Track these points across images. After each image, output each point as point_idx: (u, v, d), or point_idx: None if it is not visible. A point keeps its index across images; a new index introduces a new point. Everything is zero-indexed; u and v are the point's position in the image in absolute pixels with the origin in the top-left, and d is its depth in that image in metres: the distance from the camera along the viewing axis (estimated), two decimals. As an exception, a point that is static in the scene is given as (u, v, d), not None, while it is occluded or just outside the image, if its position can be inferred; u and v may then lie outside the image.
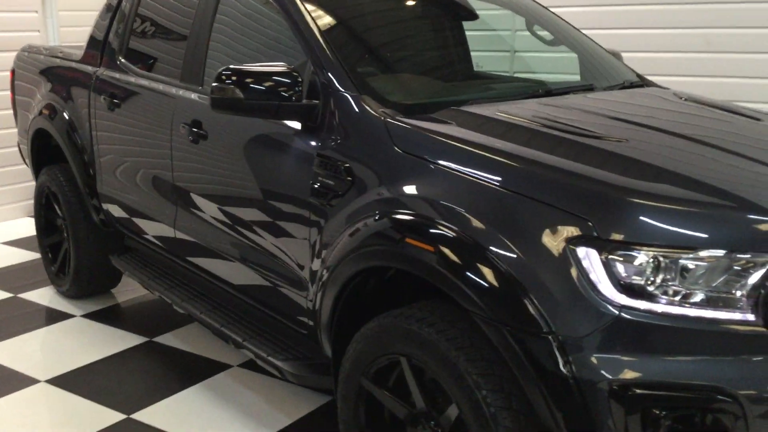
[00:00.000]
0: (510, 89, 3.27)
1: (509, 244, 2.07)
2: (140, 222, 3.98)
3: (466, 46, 3.61)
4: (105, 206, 4.29)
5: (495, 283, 2.06)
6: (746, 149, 2.37)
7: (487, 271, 2.08)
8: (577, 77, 3.46)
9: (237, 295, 3.34)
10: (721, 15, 5.23)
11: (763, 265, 1.92)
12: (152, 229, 3.88)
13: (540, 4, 3.84)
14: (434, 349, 2.21)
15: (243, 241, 3.13)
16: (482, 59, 3.66)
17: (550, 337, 1.97)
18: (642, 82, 3.43)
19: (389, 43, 3.24)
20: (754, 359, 1.91)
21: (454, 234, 2.17)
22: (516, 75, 3.79)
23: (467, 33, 3.63)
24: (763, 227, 1.98)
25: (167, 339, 4.19)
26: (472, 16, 3.66)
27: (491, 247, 2.09)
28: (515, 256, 2.05)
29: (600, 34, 5.36)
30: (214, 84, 2.71)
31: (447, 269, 2.15)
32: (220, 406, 3.45)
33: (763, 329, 1.91)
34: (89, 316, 4.53)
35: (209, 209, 3.31)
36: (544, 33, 3.75)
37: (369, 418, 2.56)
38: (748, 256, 1.93)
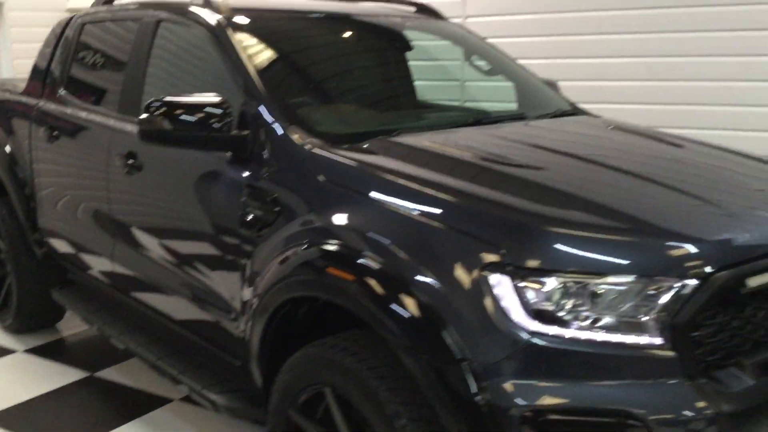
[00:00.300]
0: (442, 119, 3.31)
1: (426, 272, 2.08)
2: (81, 255, 3.94)
3: (404, 77, 3.65)
4: (46, 240, 4.24)
5: (411, 311, 2.07)
6: (662, 176, 2.42)
7: (403, 300, 2.09)
8: (515, 105, 3.52)
9: (175, 328, 3.31)
10: (663, 44, 5.36)
11: (669, 289, 1.95)
12: (92, 262, 3.84)
13: (477, 35, 3.91)
14: (356, 378, 2.21)
15: (178, 273, 3.11)
16: (424, 89, 3.71)
17: (463, 364, 1.98)
18: (573, 111, 3.49)
19: (323, 75, 3.27)
20: (663, 383, 1.94)
21: (373, 264, 2.18)
22: (455, 104, 3.83)
23: (409, 63, 3.68)
24: (671, 252, 2.02)
25: (109, 373, 4.13)
26: (410, 47, 3.71)
27: (408, 276, 2.10)
28: (432, 284, 2.07)
29: (546, 64, 5.48)
30: (142, 115, 2.71)
31: (365, 299, 2.16)
32: (158, 440, 3.41)
33: (671, 353, 1.94)
34: (31, 351, 4.45)
35: (145, 241, 3.29)
36: (482, 63, 3.81)
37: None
38: (656, 280, 1.96)
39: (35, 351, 4.45)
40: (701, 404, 1.92)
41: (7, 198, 4.51)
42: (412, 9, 3.97)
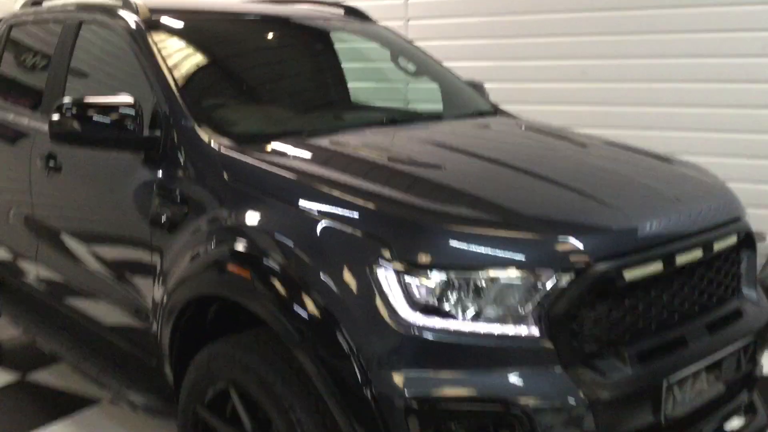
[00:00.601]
0: (356, 119, 3.37)
1: (318, 268, 2.13)
2: (10, 259, 3.93)
3: (325, 78, 3.70)
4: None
5: (302, 307, 2.12)
6: (553, 174, 2.48)
7: (295, 296, 2.14)
8: (436, 106, 3.59)
9: (95, 329, 3.32)
10: (596, 47, 5.48)
11: (546, 282, 2.02)
12: (20, 265, 3.83)
13: (404, 38, 3.98)
14: (255, 374, 2.25)
15: (96, 275, 3.13)
16: (350, 90, 3.77)
17: (351, 357, 2.03)
18: (493, 112, 3.56)
19: (237, 76, 3.31)
20: (542, 372, 2.00)
21: (268, 262, 2.22)
22: (373, 105, 3.88)
23: (332, 65, 3.74)
24: (548, 246, 2.08)
25: (41, 376, 4.12)
26: (333, 49, 3.77)
27: (301, 273, 2.15)
28: (324, 280, 2.11)
29: (484, 67, 5.58)
30: (53, 116, 2.72)
31: (260, 295, 2.21)
32: (82, 441, 3.42)
33: (549, 344, 2.01)
34: (-39, 354, 4.43)
35: (65, 244, 3.30)
36: (408, 65, 3.87)
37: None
38: (534, 273, 2.03)
39: (-37, 354, 4.43)
40: (578, 392, 1.99)
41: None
42: (341, 11, 4.02)
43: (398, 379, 2.00)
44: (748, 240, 2.60)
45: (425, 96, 3.82)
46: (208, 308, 2.63)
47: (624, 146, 3.06)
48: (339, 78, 3.79)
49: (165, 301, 2.61)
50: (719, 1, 5.06)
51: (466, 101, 3.63)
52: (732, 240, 2.47)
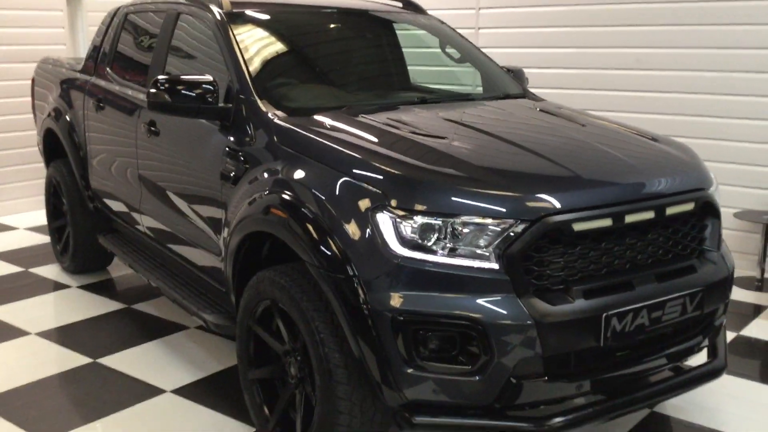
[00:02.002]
0: (394, 98, 3.96)
1: (333, 212, 2.76)
2: (118, 206, 4.77)
3: (374, 62, 4.31)
4: (96, 194, 5.09)
5: (319, 240, 2.76)
6: (538, 146, 3.00)
7: (315, 232, 2.78)
8: (469, 89, 4.13)
9: (183, 264, 4.08)
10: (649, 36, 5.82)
11: (506, 228, 2.58)
12: (125, 211, 4.67)
13: (450, 27, 4.53)
14: (287, 292, 2.91)
15: (184, 219, 3.87)
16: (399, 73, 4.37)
17: (354, 281, 2.65)
18: (521, 95, 4.08)
19: (298, 60, 3.96)
20: (499, 298, 2.56)
21: (299, 204, 2.87)
22: (414, 86, 4.45)
23: (384, 50, 4.34)
24: (509, 200, 2.62)
25: (143, 306, 4.97)
26: (386, 36, 4.37)
27: (320, 214, 2.79)
28: (336, 220, 2.75)
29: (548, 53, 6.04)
30: (150, 90, 3.46)
31: (291, 231, 2.86)
32: (170, 354, 4.20)
33: (506, 276, 2.57)
34: (83, 287, 5.34)
35: (160, 192, 4.07)
36: (453, 51, 4.43)
37: (258, 353, 3.26)
38: (497, 221, 2.58)
39: (86, 287, 5.34)
40: (527, 315, 2.54)
41: (67, 160, 5.40)
42: (399, 4, 4.61)
43: (387, 297, 2.60)
44: (710, 209, 3.04)
45: (467, 80, 4.37)
46: (262, 246, 3.32)
47: (622, 126, 3.52)
48: (386, 62, 4.39)
49: (228, 239, 3.31)
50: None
51: (497, 85, 4.16)
52: (688, 207, 2.92)
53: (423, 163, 2.80)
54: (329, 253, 2.74)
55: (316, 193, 2.86)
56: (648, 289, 2.78)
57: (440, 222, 2.61)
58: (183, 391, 3.79)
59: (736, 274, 5.36)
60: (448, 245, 2.62)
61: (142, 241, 4.65)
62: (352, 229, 2.71)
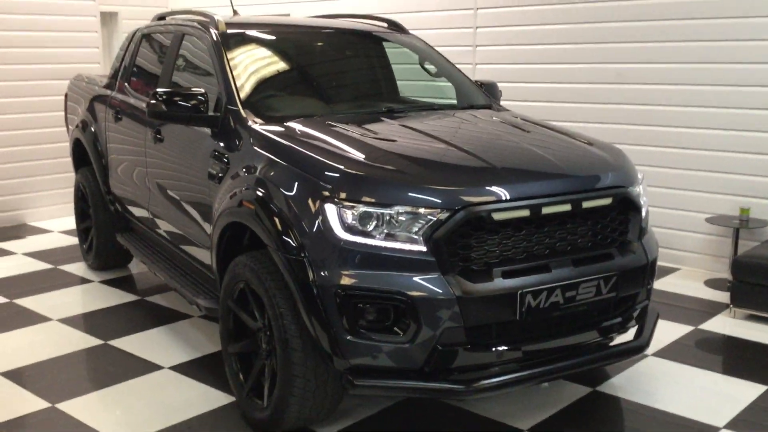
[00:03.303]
0: (361, 108, 4.39)
1: (292, 203, 3.22)
2: (132, 207, 5.31)
3: (349, 76, 4.78)
4: (115, 196, 5.65)
5: (278, 226, 3.23)
6: (475, 148, 3.43)
7: (277, 221, 3.24)
8: (436, 100, 4.60)
9: (185, 257, 4.59)
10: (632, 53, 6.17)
11: (432, 217, 3.01)
12: (138, 211, 5.20)
13: (427, 44, 4.98)
14: (257, 274, 3.37)
15: (184, 216, 4.38)
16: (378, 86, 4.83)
17: (306, 262, 3.11)
18: (487, 106, 4.51)
19: (279, 75, 4.44)
20: (426, 276, 2.99)
21: (267, 199, 3.34)
22: (399, 97, 4.91)
23: (359, 64, 4.83)
24: (435, 192, 3.05)
25: (155, 298, 5.49)
26: (364, 53, 4.85)
27: (282, 206, 3.25)
28: (293, 211, 3.20)
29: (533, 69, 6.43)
30: (150, 100, 3.98)
31: (259, 220, 3.33)
32: (172, 338, 4.70)
33: (432, 257, 2.99)
34: (104, 282, 5.90)
35: (164, 192, 4.59)
36: (431, 67, 4.88)
37: (236, 330, 3.72)
38: (424, 210, 3.02)
39: (107, 282, 5.90)
40: (449, 291, 2.96)
41: (92, 167, 5.97)
42: (384, 24, 5.09)
43: (332, 276, 3.05)
44: (631, 204, 3.42)
45: (441, 92, 4.81)
46: (244, 236, 3.79)
47: (565, 134, 3.91)
48: (363, 76, 4.86)
49: (213, 229, 3.80)
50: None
51: (466, 96, 4.59)
52: (605, 201, 3.31)
53: (367, 161, 3.25)
54: (287, 239, 3.20)
55: (280, 187, 3.32)
56: (563, 272, 3.17)
57: (378, 210, 3.05)
58: (178, 368, 4.28)
59: (708, 276, 5.76)
60: (384, 230, 3.05)
61: (153, 239, 5.17)
62: (306, 218, 3.16)
